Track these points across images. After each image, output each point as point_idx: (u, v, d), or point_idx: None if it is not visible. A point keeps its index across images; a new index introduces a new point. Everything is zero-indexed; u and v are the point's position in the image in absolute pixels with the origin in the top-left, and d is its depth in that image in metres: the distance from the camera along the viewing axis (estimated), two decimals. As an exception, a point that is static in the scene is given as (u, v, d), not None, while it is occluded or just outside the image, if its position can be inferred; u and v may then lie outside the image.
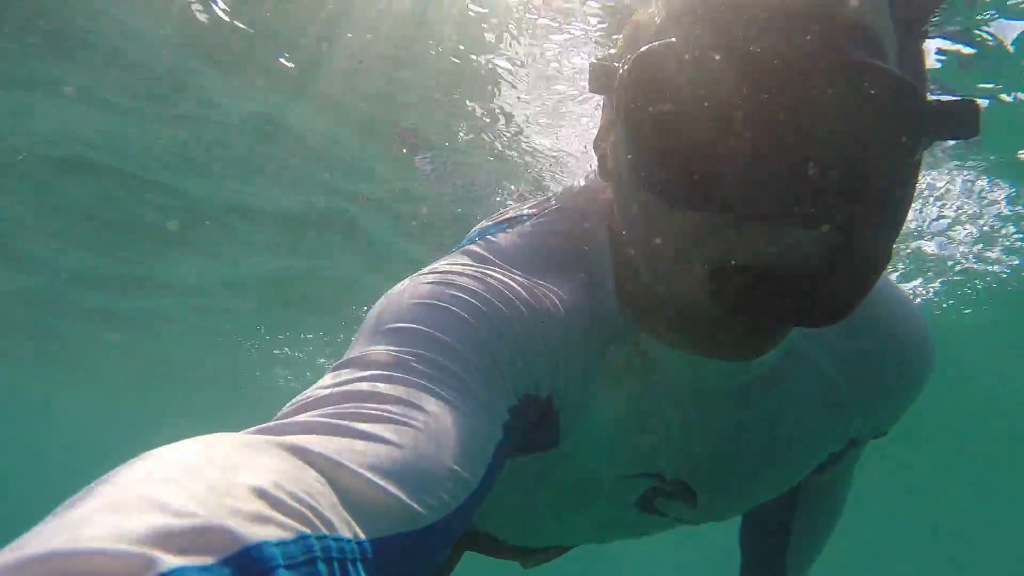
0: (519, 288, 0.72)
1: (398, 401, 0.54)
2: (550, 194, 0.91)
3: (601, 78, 0.71)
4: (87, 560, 0.30)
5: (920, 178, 0.65)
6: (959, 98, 0.63)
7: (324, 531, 0.40)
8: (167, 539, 0.32)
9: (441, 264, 0.76)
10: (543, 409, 0.73)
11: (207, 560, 0.32)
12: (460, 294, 0.67)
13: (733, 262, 0.61)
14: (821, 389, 0.88)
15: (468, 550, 1.44)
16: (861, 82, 0.58)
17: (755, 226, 0.60)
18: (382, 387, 0.55)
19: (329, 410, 0.51)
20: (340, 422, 0.49)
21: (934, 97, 0.60)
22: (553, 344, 0.72)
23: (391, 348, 0.60)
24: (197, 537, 0.33)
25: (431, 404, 0.55)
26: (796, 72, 0.58)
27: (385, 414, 0.52)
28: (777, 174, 0.58)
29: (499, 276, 0.72)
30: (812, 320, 0.64)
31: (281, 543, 0.36)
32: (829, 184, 0.59)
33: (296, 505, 0.39)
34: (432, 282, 0.70)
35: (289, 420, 0.50)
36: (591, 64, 0.71)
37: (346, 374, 0.57)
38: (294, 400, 0.55)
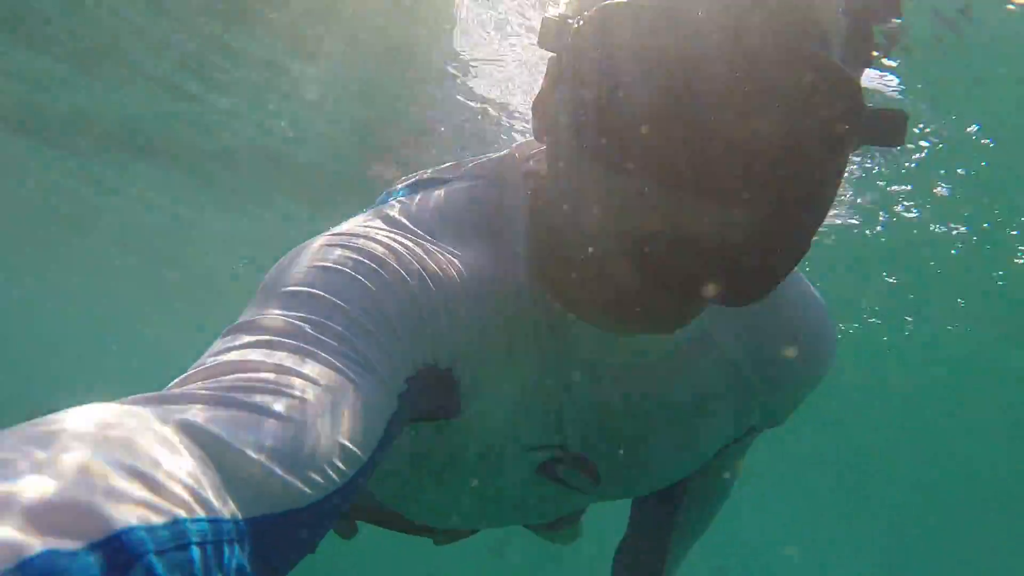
0: (424, 255, 0.70)
1: (288, 372, 0.52)
2: (468, 159, 0.89)
3: (553, 33, 0.69)
4: None
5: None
6: (891, 108, 0.65)
7: (201, 513, 0.39)
8: (35, 521, 0.31)
9: (346, 225, 0.73)
10: (442, 379, 0.72)
11: (76, 544, 0.31)
12: (361, 258, 0.65)
13: (660, 232, 0.61)
14: (726, 373, 0.90)
15: (378, 525, 1.42)
16: (806, 71, 0.59)
17: (686, 198, 0.60)
18: (273, 356, 0.53)
19: (214, 382, 0.49)
20: (226, 394, 0.47)
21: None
22: (456, 314, 0.70)
23: (285, 313, 0.58)
24: (66, 520, 0.32)
25: (323, 374, 0.54)
26: (746, 53, 0.58)
27: (273, 386, 0.50)
28: (715, 150, 0.58)
29: (404, 242, 0.70)
30: (731, 297, 0.65)
31: (152, 528, 0.35)
32: (764, 166, 0.59)
33: (173, 487, 0.38)
34: (333, 244, 0.67)
35: (175, 391, 0.47)
36: (544, 19, 0.70)
37: (238, 340, 0.55)
38: (188, 370, 0.52)
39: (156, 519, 0.35)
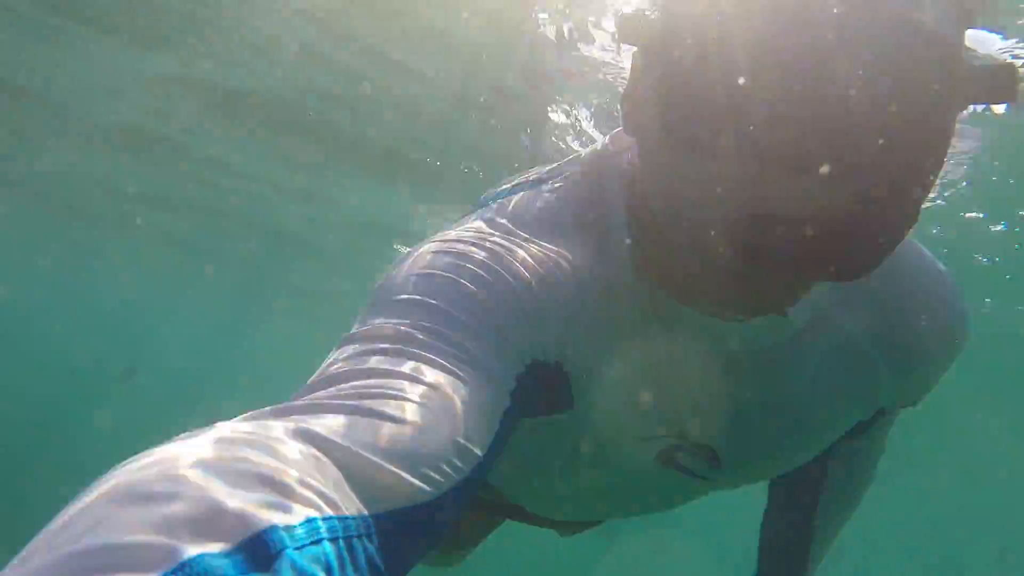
0: (528, 256, 0.72)
1: (402, 376, 0.55)
2: (565, 159, 0.89)
3: (633, 26, 0.69)
4: (113, 553, 0.32)
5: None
6: (999, 62, 0.61)
7: (329, 512, 0.42)
8: (185, 529, 0.34)
9: (450, 232, 0.76)
10: (553, 374, 0.73)
11: (223, 546, 0.34)
12: (466, 264, 0.68)
13: (762, 213, 0.60)
14: (848, 355, 0.86)
15: (505, 519, 1.45)
16: (909, 38, 0.56)
17: (787, 176, 0.59)
18: (386, 362, 0.56)
19: (333, 390, 0.53)
20: (345, 402, 0.51)
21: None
22: (562, 312, 0.72)
23: (396, 321, 0.62)
24: (212, 525, 0.35)
25: (435, 377, 0.57)
26: (843, 23, 0.56)
27: (389, 391, 0.53)
28: (815, 123, 0.56)
29: (507, 244, 0.72)
30: (842, 272, 0.63)
31: (289, 527, 0.38)
32: (868, 137, 0.57)
33: (301, 489, 0.41)
34: (438, 251, 0.70)
35: (295, 403, 0.51)
36: (622, 15, 0.69)
37: (351, 350, 0.59)
38: (308, 381, 0.57)
39: (291, 519, 0.39)
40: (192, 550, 0.33)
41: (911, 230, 0.63)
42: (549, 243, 0.75)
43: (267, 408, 0.50)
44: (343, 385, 0.54)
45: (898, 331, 0.87)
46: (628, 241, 0.79)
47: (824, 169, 0.57)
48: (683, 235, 0.67)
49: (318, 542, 0.40)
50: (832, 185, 0.58)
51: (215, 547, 0.34)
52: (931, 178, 0.62)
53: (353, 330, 0.63)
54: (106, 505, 0.35)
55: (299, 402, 0.51)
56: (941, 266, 0.91)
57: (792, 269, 0.63)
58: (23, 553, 0.34)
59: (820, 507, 1.27)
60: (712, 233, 0.63)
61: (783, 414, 0.89)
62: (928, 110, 0.58)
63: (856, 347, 0.86)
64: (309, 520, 0.40)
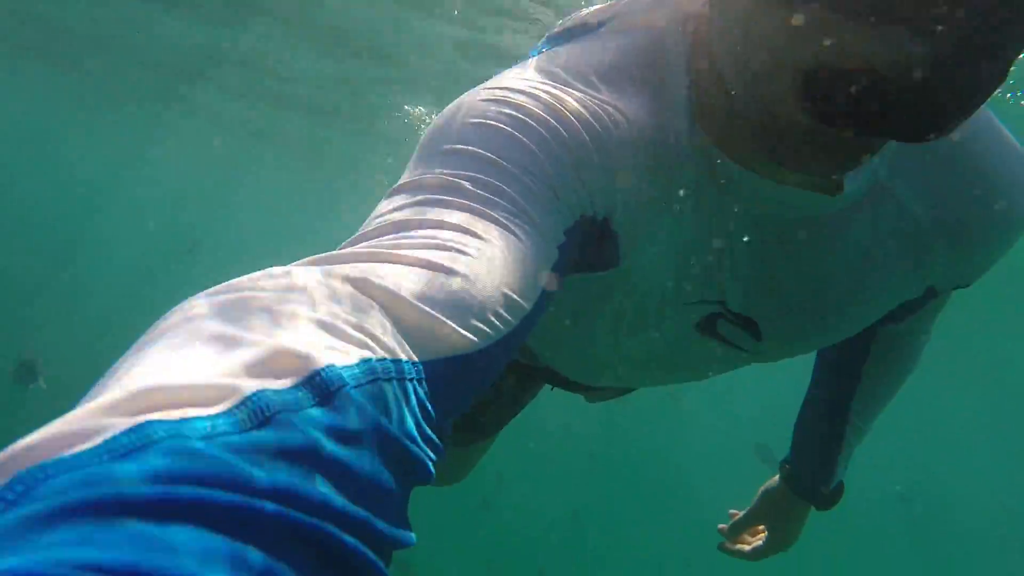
0: (581, 107, 0.69)
1: (450, 227, 0.55)
2: (621, 1, 0.83)
3: None
4: (176, 392, 0.32)
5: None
6: None
7: (384, 354, 0.43)
8: (245, 369, 0.35)
9: (501, 79, 0.73)
10: (601, 229, 0.72)
11: (284, 383, 0.35)
12: (516, 113, 0.66)
13: (836, 64, 0.56)
14: (902, 228, 0.83)
15: (534, 380, 1.47)
16: None
17: (866, 26, 0.54)
18: (435, 213, 0.56)
19: (383, 240, 0.53)
20: (393, 251, 0.51)
21: None
22: (614, 166, 0.70)
23: (444, 171, 0.60)
24: (271, 366, 0.36)
25: (484, 228, 0.56)
26: None
27: (437, 241, 0.53)
28: None
29: (560, 94, 0.69)
30: (911, 133, 0.59)
31: (346, 366, 0.39)
32: None
33: (355, 333, 0.42)
34: (488, 99, 0.68)
35: (344, 251, 0.51)
36: None
37: (400, 200, 0.58)
38: (356, 233, 0.56)
39: (348, 360, 0.39)
40: (252, 386, 0.34)
41: (991, 94, 0.58)
42: (604, 94, 0.72)
43: (318, 255, 0.50)
44: (390, 236, 0.53)
45: (959, 207, 0.82)
46: (687, 96, 0.75)
47: (900, 17, 0.52)
48: (750, 89, 0.63)
49: (374, 381, 0.40)
50: (908, 35, 0.53)
51: (275, 384, 0.35)
52: (1019, 40, 0.56)
53: (400, 181, 0.62)
54: (167, 348, 0.36)
55: (349, 250, 0.51)
56: (1011, 138, 0.84)
57: (862, 125, 0.59)
58: (90, 393, 0.34)
59: (859, 390, 1.27)
60: (779, 84, 0.60)
61: (830, 286, 0.86)
62: None
63: (913, 221, 0.82)
64: (365, 360, 0.41)
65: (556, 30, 0.84)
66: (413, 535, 0.42)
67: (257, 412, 0.33)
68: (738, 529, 1.55)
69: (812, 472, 1.38)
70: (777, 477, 1.49)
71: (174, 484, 0.28)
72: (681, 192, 0.77)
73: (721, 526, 1.59)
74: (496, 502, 9.55)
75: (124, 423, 0.30)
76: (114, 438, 0.29)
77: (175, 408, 0.32)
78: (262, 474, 0.31)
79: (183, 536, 0.27)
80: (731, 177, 0.75)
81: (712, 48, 0.70)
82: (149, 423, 0.30)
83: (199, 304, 0.40)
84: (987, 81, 0.56)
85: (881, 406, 1.32)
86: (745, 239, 0.81)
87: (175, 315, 0.40)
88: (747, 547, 1.54)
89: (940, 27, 0.52)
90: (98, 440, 0.29)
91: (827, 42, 0.55)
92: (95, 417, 0.30)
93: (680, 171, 0.75)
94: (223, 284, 0.43)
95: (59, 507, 0.26)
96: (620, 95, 0.72)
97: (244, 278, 0.44)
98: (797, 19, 0.56)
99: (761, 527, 1.54)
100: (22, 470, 0.27)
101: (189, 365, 0.35)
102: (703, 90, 0.74)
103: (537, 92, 0.68)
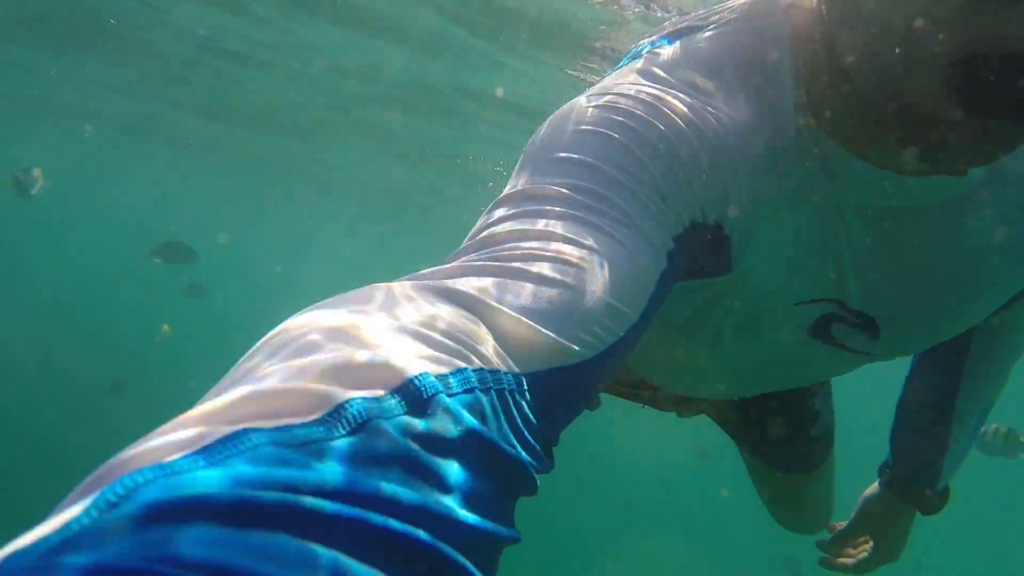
0: (686, 109, 0.67)
1: (554, 237, 0.54)
2: (724, 2, 0.82)
3: None
4: (271, 399, 0.33)
5: None
6: None
7: (480, 364, 0.42)
8: (338, 378, 0.36)
9: (605, 83, 0.72)
10: (712, 235, 0.70)
11: (377, 392, 0.36)
12: (622, 118, 0.64)
13: (990, 51, 0.53)
14: (1022, 211, 0.78)
15: (624, 397, 1.42)
16: None
17: (1016, 7, 0.51)
18: (537, 223, 0.55)
19: (485, 253, 0.53)
20: (495, 263, 0.51)
21: None
22: (722, 167, 0.68)
23: (549, 181, 0.60)
24: (365, 375, 0.36)
25: (588, 237, 0.55)
26: None
27: (541, 252, 0.52)
28: None
29: (665, 96, 0.67)
30: None
31: (440, 376, 0.39)
32: None
33: (451, 343, 0.42)
34: (594, 106, 0.66)
35: (445, 267, 0.51)
36: None
37: (502, 211, 0.58)
38: (460, 245, 0.57)
39: (442, 369, 0.39)
40: (346, 394, 0.34)
41: None
42: (708, 94, 0.70)
43: (421, 271, 0.51)
44: (494, 247, 0.53)
45: None
46: (795, 91, 0.72)
47: None
48: (880, 81, 0.60)
49: (470, 391, 0.40)
50: None
51: (369, 393, 0.35)
52: None
53: (505, 191, 0.62)
54: (264, 360, 0.37)
55: (449, 265, 0.52)
56: None
57: (1007, 114, 0.55)
58: (200, 401, 0.36)
59: (962, 387, 1.20)
60: (916, 74, 0.56)
61: (952, 275, 0.82)
62: None
63: None
64: (460, 370, 0.40)
65: (658, 32, 0.82)
66: (516, 532, 0.41)
67: (350, 419, 0.34)
68: (840, 541, 1.48)
69: (916, 475, 1.31)
70: (877, 484, 1.41)
71: (265, 489, 0.29)
72: (794, 188, 0.74)
73: (820, 541, 1.51)
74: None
75: (222, 431, 0.31)
76: (211, 445, 0.30)
77: (271, 416, 0.33)
78: (353, 479, 0.32)
79: (269, 540, 0.28)
80: (847, 169, 0.72)
81: (826, 40, 0.67)
82: (245, 431, 0.31)
83: (300, 318, 0.42)
84: None
85: (988, 401, 1.25)
86: (863, 232, 0.77)
87: (279, 329, 0.41)
88: (850, 560, 1.46)
89: None
90: (197, 446, 0.30)
91: (973, 27, 0.52)
92: (196, 425, 0.32)
93: (792, 167, 0.73)
94: (327, 300, 0.45)
95: (155, 508, 0.27)
96: (726, 95, 0.71)
97: (346, 294, 0.45)
98: (945, 7, 0.53)
99: (864, 538, 1.46)
100: (126, 475, 0.28)
101: (288, 374, 0.36)
102: (814, 83, 0.71)
103: (643, 96, 0.66)
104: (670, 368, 1.10)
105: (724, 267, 0.76)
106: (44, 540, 0.26)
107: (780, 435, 1.51)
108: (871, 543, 1.45)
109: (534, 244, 0.53)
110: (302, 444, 0.32)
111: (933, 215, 0.77)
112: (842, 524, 1.48)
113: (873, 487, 1.43)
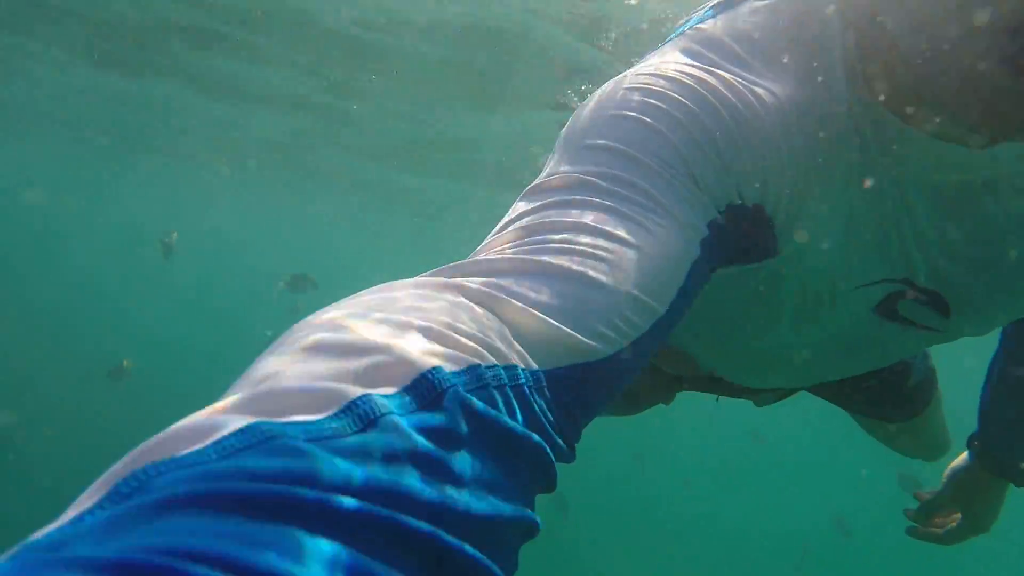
0: (724, 89, 0.65)
1: (580, 228, 0.53)
2: None
3: None
4: (284, 398, 0.34)
5: None
6: None
7: (494, 361, 0.42)
8: (351, 375, 0.36)
9: (643, 65, 0.70)
10: (754, 216, 0.68)
11: (390, 388, 0.36)
12: (655, 100, 0.62)
13: None
14: None
15: (693, 389, 1.39)
16: None
17: None
18: (564, 214, 0.54)
19: (510, 246, 0.53)
20: (518, 257, 0.50)
21: None
22: (764, 149, 0.65)
23: (579, 169, 0.59)
24: (378, 370, 0.37)
25: (618, 228, 0.54)
26: None
27: (565, 245, 0.51)
28: None
29: (704, 76, 0.65)
30: None
31: (455, 372, 0.39)
32: None
33: (466, 341, 0.42)
34: (629, 87, 0.65)
35: (469, 261, 0.51)
36: None
37: (531, 203, 0.57)
38: (488, 238, 0.57)
39: (455, 366, 0.40)
40: (359, 390, 0.35)
41: None
42: (752, 71, 0.67)
43: (445, 266, 0.51)
44: (519, 241, 0.53)
45: None
46: (846, 62, 0.69)
47: None
48: (935, 50, 0.57)
49: (483, 387, 0.40)
50: None
51: (382, 389, 0.36)
52: None
53: (537, 180, 0.61)
54: (280, 357, 0.38)
55: (474, 259, 0.52)
56: None
57: None
58: (220, 399, 0.36)
59: None
60: (971, 43, 0.54)
61: (1019, 247, 0.78)
62: None
63: None
64: (474, 367, 0.41)
65: (707, 4, 0.79)
66: (535, 518, 0.42)
67: (363, 415, 0.34)
68: (928, 512, 1.44)
69: (1009, 447, 1.26)
70: (965, 455, 1.37)
71: (275, 482, 0.29)
72: (847, 166, 0.71)
73: (908, 509, 1.48)
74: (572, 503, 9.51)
75: (235, 424, 0.31)
76: (224, 439, 0.31)
77: (285, 412, 0.33)
78: (363, 474, 0.32)
79: (277, 533, 0.28)
80: (907, 144, 0.69)
81: (878, 9, 0.64)
82: (258, 424, 0.32)
83: (320, 316, 0.42)
84: None
85: None
86: (927, 208, 0.74)
87: (296, 327, 0.42)
88: (939, 531, 1.43)
89: None
90: (209, 440, 0.31)
91: None
92: (210, 419, 0.32)
93: (845, 144, 0.70)
94: (346, 297, 0.45)
95: (164, 500, 0.28)
96: (771, 71, 0.68)
97: (368, 291, 0.46)
98: None
99: (953, 510, 1.43)
100: (139, 468, 0.29)
101: (302, 371, 0.36)
102: (866, 54, 0.68)
103: (680, 77, 0.64)
104: (735, 359, 1.08)
105: (769, 250, 0.73)
106: (58, 531, 0.27)
107: (876, 397, 1.47)
108: (960, 515, 1.41)
109: (559, 236, 0.52)
110: (315, 439, 0.32)
111: (998, 189, 0.73)
112: (930, 492, 1.45)
113: (961, 458, 1.39)
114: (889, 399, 1.49)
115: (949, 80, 0.59)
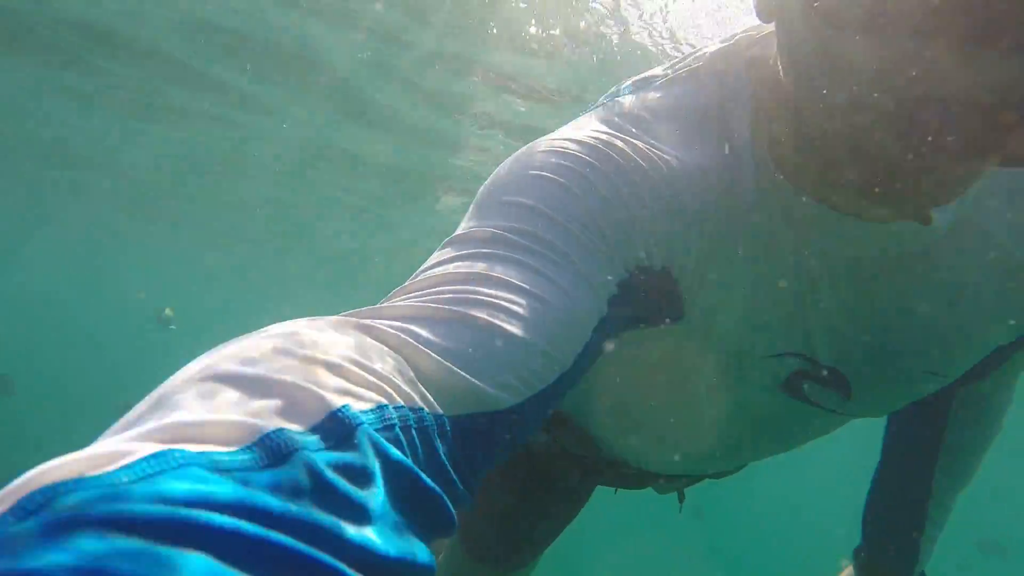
0: (636, 155, 0.67)
1: (492, 281, 0.54)
2: (684, 56, 0.83)
3: None
4: (200, 429, 0.33)
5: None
6: None
7: (402, 403, 0.43)
8: (263, 409, 0.36)
9: (563, 130, 0.73)
10: (660, 279, 0.70)
11: (301, 425, 0.36)
12: (569, 163, 0.65)
13: (934, 95, 0.53)
14: (994, 263, 0.77)
15: (596, 483, 1.39)
16: None
17: (962, 53, 0.51)
18: (479, 266, 0.55)
19: (422, 295, 0.53)
20: (429, 306, 0.51)
21: None
22: (672, 214, 0.68)
23: (495, 224, 0.60)
24: (290, 407, 0.37)
25: (528, 282, 0.55)
26: None
27: (477, 296, 0.52)
28: None
29: (616, 143, 0.68)
30: (1017, 158, 0.55)
31: (363, 411, 0.39)
32: None
33: (374, 379, 0.42)
34: (546, 150, 0.67)
35: (382, 306, 0.52)
36: None
37: (448, 253, 0.59)
38: (403, 284, 0.57)
39: (363, 405, 0.40)
40: (271, 425, 0.35)
41: None
42: (663, 141, 0.71)
43: (357, 310, 0.51)
44: (431, 290, 0.53)
45: None
46: (753, 137, 0.73)
47: (998, 41, 0.50)
48: (835, 125, 0.60)
49: (390, 427, 0.40)
50: (1008, 59, 0.50)
51: (293, 425, 0.36)
52: None
53: (456, 232, 0.63)
54: (188, 390, 0.37)
55: (387, 304, 0.52)
56: None
57: (970, 152, 0.55)
58: (113, 429, 0.36)
59: (939, 463, 1.16)
60: (867, 120, 0.57)
61: (922, 330, 0.81)
62: None
63: (1003, 255, 0.76)
64: (381, 407, 0.41)
65: (622, 83, 0.83)
66: (433, 563, 0.41)
67: (274, 449, 0.34)
68: None
69: (892, 560, 1.26)
70: (850, 569, 1.36)
71: (185, 507, 0.29)
72: (753, 236, 0.74)
73: None
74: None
75: (146, 450, 0.31)
76: (135, 463, 0.30)
77: (196, 442, 0.33)
78: (274, 506, 0.32)
79: (186, 558, 0.28)
80: (808, 215, 0.72)
81: (784, 88, 0.67)
82: (171, 451, 0.31)
83: (227, 348, 0.41)
84: None
85: (966, 478, 1.21)
86: (829, 283, 0.77)
87: (200, 361, 0.40)
88: None
89: None
90: (119, 464, 0.30)
91: (917, 73, 0.53)
92: (118, 445, 0.32)
93: (750, 213, 0.73)
94: (255, 331, 0.45)
95: (67, 519, 0.27)
96: (681, 141, 0.71)
97: (276, 326, 0.45)
98: (878, 53, 0.54)
99: None
100: (46, 485, 0.29)
101: (212, 403, 0.36)
102: (773, 129, 0.72)
103: (594, 142, 0.67)
104: (639, 437, 1.07)
105: (674, 314, 0.75)
106: None
107: None
108: None
109: (471, 287, 0.53)
110: (225, 471, 0.32)
111: (898, 267, 0.76)
112: None
113: (847, 572, 1.38)
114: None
115: (849, 157, 0.62)
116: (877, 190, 0.62)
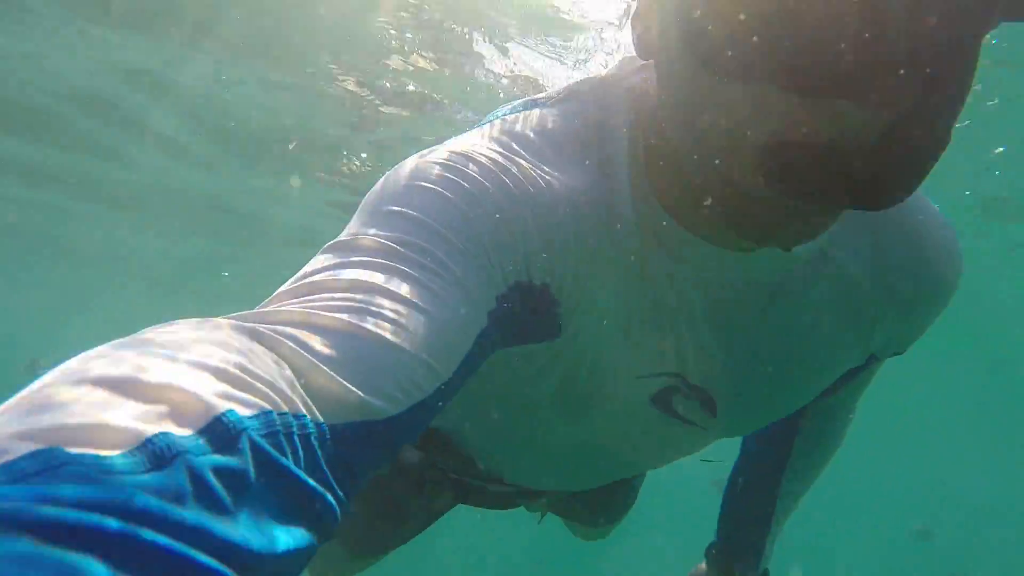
0: (519, 174, 0.69)
1: (373, 289, 0.54)
2: (567, 84, 0.86)
3: None
4: (82, 431, 0.33)
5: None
6: None
7: (286, 409, 0.42)
8: (146, 413, 0.35)
9: (446, 144, 0.73)
10: (539, 296, 0.71)
11: (185, 429, 0.36)
12: (453, 176, 0.66)
13: (791, 139, 0.56)
14: (848, 296, 0.85)
15: (465, 503, 1.43)
16: None
17: (818, 101, 0.55)
18: (359, 274, 0.55)
19: (302, 301, 0.53)
20: (309, 311, 0.51)
21: None
22: (553, 233, 0.70)
23: (375, 232, 0.60)
24: (173, 411, 0.36)
25: (407, 291, 0.55)
26: None
27: (357, 304, 0.52)
28: (848, 47, 0.52)
29: (500, 160, 0.69)
30: (870, 201, 0.58)
31: (247, 416, 0.39)
32: (902, 61, 0.53)
33: (259, 385, 0.42)
34: (429, 161, 0.68)
35: (263, 310, 0.51)
36: None
37: (327, 259, 0.58)
38: (280, 289, 0.56)
39: (247, 411, 0.40)
40: (154, 429, 0.35)
41: (941, 155, 0.58)
42: (545, 162, 0.73)
43: (238, 313, 0.50)
44: (310, 296, 0.53)
45: (899, 272, 0.85)
46: (631, 166, 0.76)
47: (850, 90, 0.53)
48: (706, 161, 0.63)
49: (274, 433, 0.40)
50: (860, 107, 0.54)
51: (177, 429, 0.36)
52: (961, 100, 0.57)
53: (337, 238, 0.62)
54: (65, 392, 0.36)
55: (268, 309, 0.51)
56: (936, 210, 0.88)
57: (821, 195, 0.59)
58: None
59: (788, 468, 1.27)
60: (734, 157, 0.60)
61: (783, 356, 0.87)
62: (968, 25, 0.53)
63: (856, 287, 0.84)
64: (265, 412, 0.41)
65: (505, 106, 0.86)
66: (309, 555, 0.42)
67: (157, 454, 0.34)
68: None
69: (740, 556, 1.35)
70: (704, 564, 1.44)
71: (69, 508, 0.29)
72: (630, 261, 0.77)
73: None
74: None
75: (25, 449, 0.30)
76: (13, 462, 0.30)
77: (77, 444, 0.32)
78: (156, 509, 0.31)
79: (71, 558, 0.27)
80: (680, 244, 0.76)
81: (661, 121, 0.70)
82: (52, 449, 0.31)
83: (105, 350, 0.40)
84: (941, 140, 0.57)
85: (810, 482, 1.32)
86: (701, 308, 0.81)
87: (78, 363, 0.39)
88: None
89: (883, 98, 0.53)
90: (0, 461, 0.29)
91: (777, 118, 0.56)
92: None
93: (626, 239, 0.76)
94: (134, 334, 0.43)
95: None
96: (563, 163, 0.73)
97: (155, 327, 0.44)
98: (745, 98, 0.57)
99: None
100: None
101: (91, 405, 0.35)
102: (651, 160, 0.75)
103: (478, 156, 0.68)
104: (512, 451, 1.09)
105: (551, 332, 0.77)
106: None
107: (602, 503, 1.63)
108: None
109: (351, 295, 0.53)
110: (106, 473, 0.31)
111: (763, 294, 0.81)
112: None
113: (699, 568, 1.47)
114: (606, 506, 1.62)
115: (713, 188, 0.65)
116: (743, 223, 0.66)
